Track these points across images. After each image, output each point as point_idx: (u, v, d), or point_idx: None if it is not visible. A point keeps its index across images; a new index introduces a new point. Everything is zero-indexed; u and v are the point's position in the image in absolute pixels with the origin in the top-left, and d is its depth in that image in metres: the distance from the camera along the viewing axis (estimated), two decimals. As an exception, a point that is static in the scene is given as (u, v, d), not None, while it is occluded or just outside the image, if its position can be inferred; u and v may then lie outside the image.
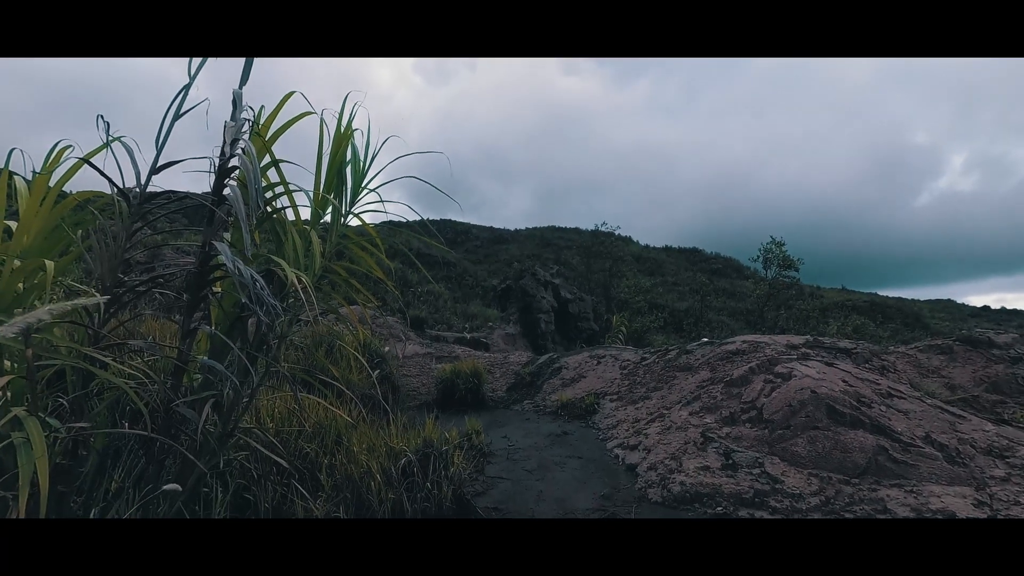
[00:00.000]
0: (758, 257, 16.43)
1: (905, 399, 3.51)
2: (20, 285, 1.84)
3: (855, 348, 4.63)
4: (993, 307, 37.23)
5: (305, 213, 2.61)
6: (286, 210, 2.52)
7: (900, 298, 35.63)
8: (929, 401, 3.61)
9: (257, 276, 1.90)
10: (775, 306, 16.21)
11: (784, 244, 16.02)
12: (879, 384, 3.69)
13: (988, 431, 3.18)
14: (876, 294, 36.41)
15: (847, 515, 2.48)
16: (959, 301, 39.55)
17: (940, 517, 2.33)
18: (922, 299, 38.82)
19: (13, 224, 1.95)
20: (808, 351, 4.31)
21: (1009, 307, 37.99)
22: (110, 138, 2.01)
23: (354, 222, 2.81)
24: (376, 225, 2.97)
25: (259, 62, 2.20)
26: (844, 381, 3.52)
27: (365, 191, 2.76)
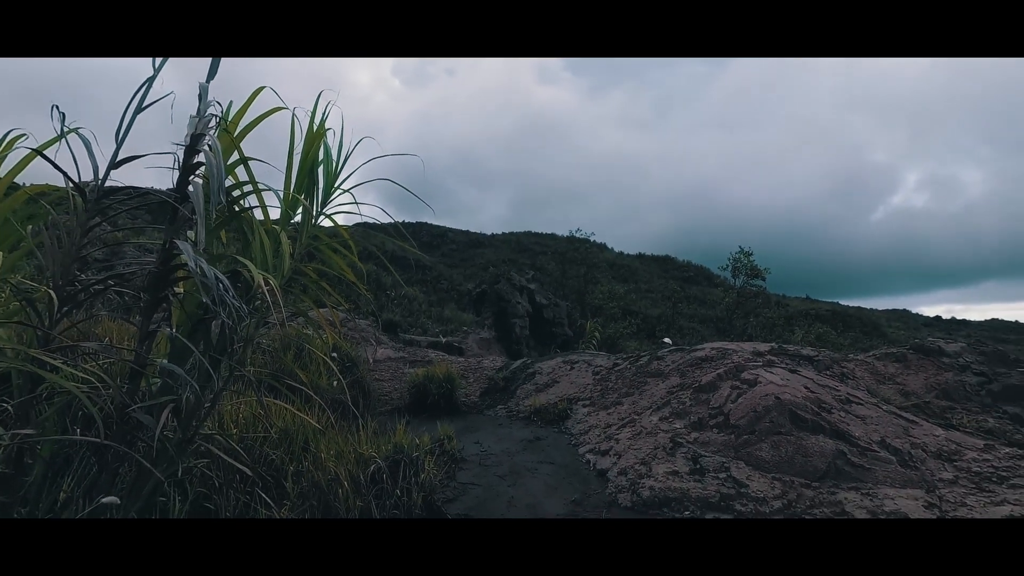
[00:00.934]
0: (727, 266, 16.90)
1: (863, 405, 3.65)
2: (-38, 282, 1.74)
3: (817, 356, 4.81)
4: (944, 317, 39.32)
5: (275, 214, 2.55)
6: (254, 210, 2.45)
7: (860, 307, 37.25)
8: (885, 407, 3.77)
9: (221, 277, 1.84)
10: (743, 314, 16.69)
11: (752, 254, 16.53)
12: (839, 390, 3.83)
13: (938, 436, 3.34)
14: (838, 303, 37.96)
15: (807, 518, 2.56)
16: (913, 311, 41.60)
17: (893, 518, 2.43)
18: (880, 309, 40.66)
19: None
20: (773, 358, 4.44)
21: (959, 317, 40.18)
22: (65, 129, 1.92)
23: (326, 223, 2.76)
24: (349, 227, 2.92)
25: (232, 59, 2.15)
26: (806, 388, 3.65)
27: (338, 192, 2.72)
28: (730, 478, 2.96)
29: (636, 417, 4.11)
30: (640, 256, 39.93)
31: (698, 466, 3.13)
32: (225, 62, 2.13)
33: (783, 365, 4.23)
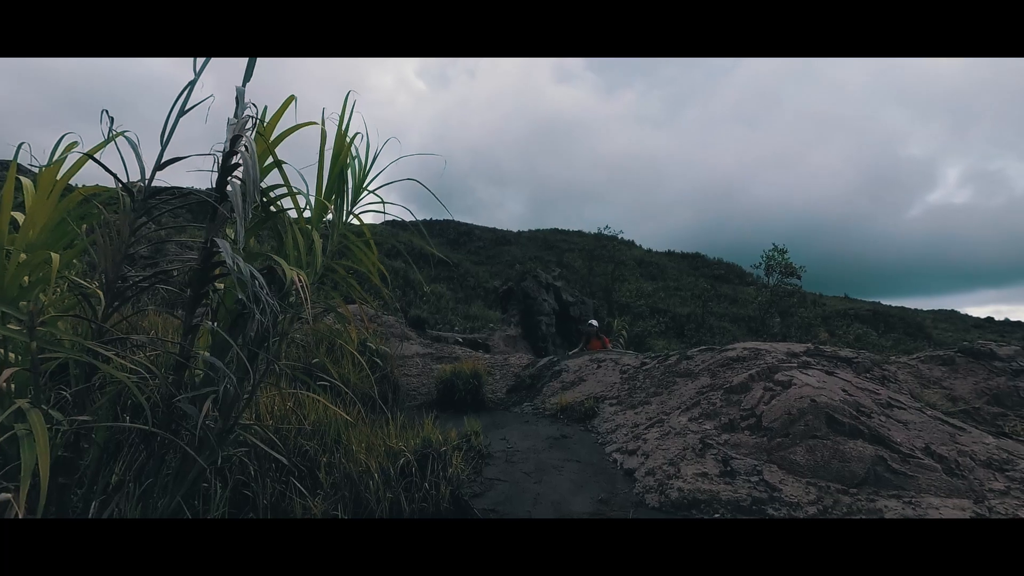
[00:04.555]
0: (760, 264, 16.41)
1: (905, 410, 3.50)
2: (25, 278, 1.86)
3: (856, 357, 4.62)
4: (996, 318, 37.08)
5: (306, 213, 2.63)
6: (289, 210, 2.53)
7: (903, 308, 35.52)
8: (929, 412, 3.60)
9: (256, 274, 1.91)
10: (776, 313, 16.19)
11: (786, 251, 16.00)
12: (879, 394, 3.68)
13: (988, 444, 3.17)
14: (879, 303, 36.30)
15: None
16: (961, 312, 39.39)
17: (930, 518, 2.33)
18: (925, 309, 38.68)
19: (19, 216, 1.97)
20: (809, 359, 4.30)
21: (1011, 319, 37.81)
22: (113, 132, 2.02)
23: (353, 222, 2.83)
24: (377, 226, 2.98)
25: (260, 64, 2.22)
26: (844, 390, 3.51)
27: (366, 192, 2.78)
28: (762, 481, 2.89)
29: (664, 417, 4.05)
30: (669, 253, 39.18)
31: (729, 468, 3.06)
32: (256, 70, 2.20)
33: (819, 367, 4.09)
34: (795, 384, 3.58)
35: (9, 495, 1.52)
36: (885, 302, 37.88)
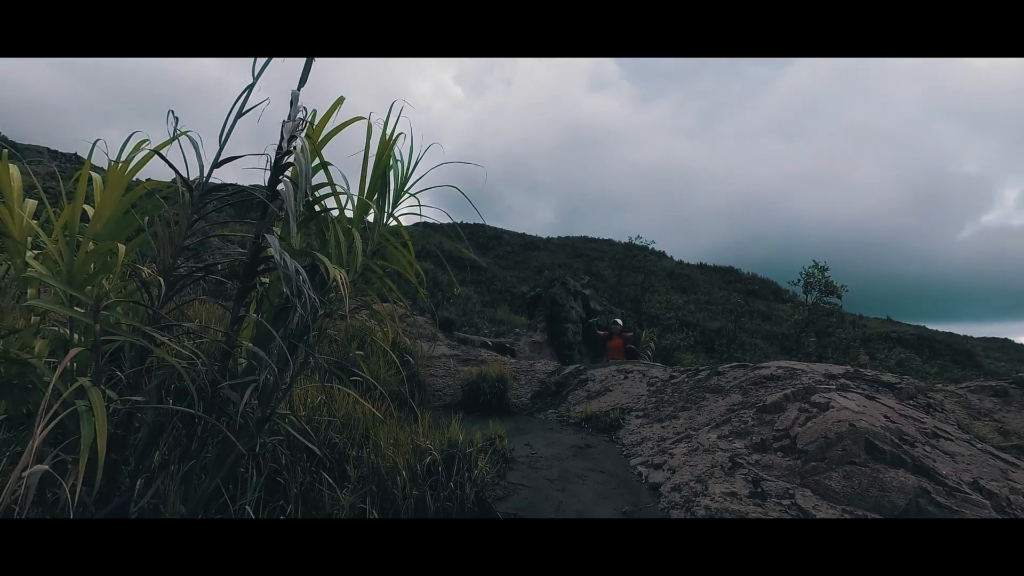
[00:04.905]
0: (799, 280, 15.85)
1: (952, 441, 3.32)
2: (92, 266, 1.99)
3: (899, 383, 4.41)
4: (1055, 349, 34.60)
5: (348, 213, 2.72)
6: (332, 210, 2.62)
7: (951, 333, 33.62)
8: (979, 445, 3.40)
9: (301, 269, 1.99)
10: (813, 332, 15.58)
11: (827, 269, 15.40)
12: (924, 423, 3.50)
13: (1044, 482, 2.97)
14: (924, 327, 34.47)
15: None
16: (1016, 341, 36.97)
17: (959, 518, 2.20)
18: (975, 336, 36.49)
19: (88, 209, 2.11)
20: (848, 382, 4.13)
21: (1074, 351, 35.19)
22: (178, 131, 2.15)
23: (391, 223, 2.90)
24: (411, 227, 3.05)
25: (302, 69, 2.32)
26: (886, 416, 3.36)
27: (407, 195, 2.85)
28: (794, 505, 2.79)
29: (693, 433, 3.97)
30: (701, 266, 38.34)
31: (759, 489, 2.97)
32: (296, 72, 2.30)
33: (859, 390, 3.92)
34: (833, 407, 3.45)
35: (44, 466, 1.60)
36: (931, 326, 35.97)
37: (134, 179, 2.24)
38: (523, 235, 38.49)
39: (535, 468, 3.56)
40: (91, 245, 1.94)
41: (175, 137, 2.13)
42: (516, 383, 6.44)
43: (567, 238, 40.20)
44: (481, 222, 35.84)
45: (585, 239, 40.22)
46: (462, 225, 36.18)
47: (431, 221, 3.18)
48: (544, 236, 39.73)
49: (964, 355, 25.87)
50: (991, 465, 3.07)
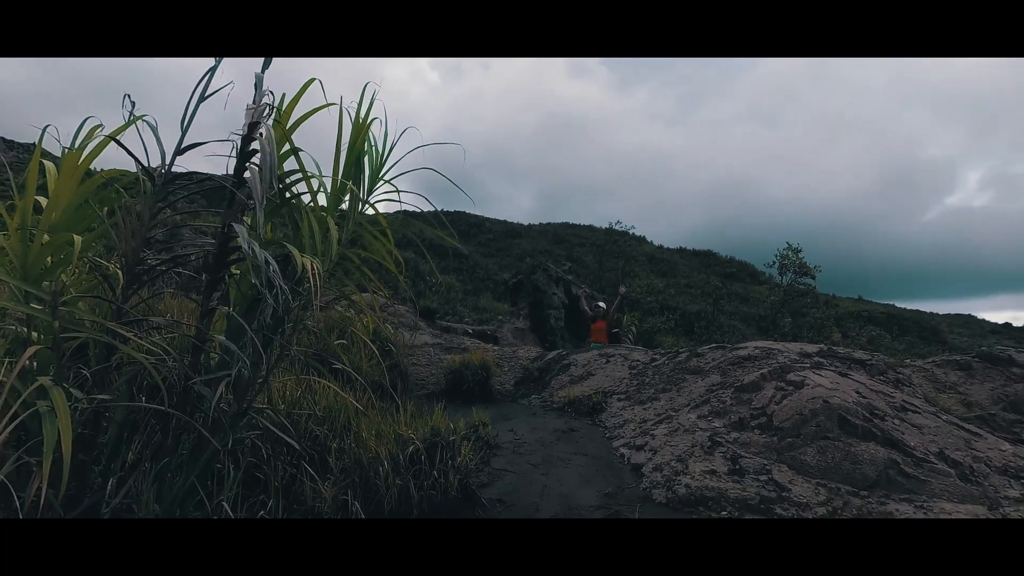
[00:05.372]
0: (774, 263, 16.19)
1: (920, 414, 3.45)
2: (48, 259, 1.89)
3: (870, 359, 4.56)
4: (1013, 324, 36.29)
5: (322, 201, 2.64)
6: (303, 196, 2.54)
7: (918, 311, 34.88)
8: (944, 417, 3.55)
9: (271, 259, 1.93)
10: (788, 313, 15.98)
11: (801, 250, 15.75)
12: (893, 397, 3.63)
13: (1004, 450, 3.11)
14: (894, 305, 35.70)
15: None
16: (978, 317, 38.60)
17: (941, 518, 2.30)
18: (940, 313, 37.97)
19: (42, 200, 2.00)
20: (822, 360, 4.25)
21: (1028, 324, 36.96)
22: (134, 116, 2.04)
23: (368, 211, 2.83)
24: (390, 215, 2.99)
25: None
26: (858, 392, 3.47)
27: (382, 181, 2.78)
28: (771, 481, 2.87)
29: (673, 414, 4.04)
30: (681, 250, 38.82)
31: (737, 467, 3.04)
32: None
33: (832, 368, 4.04)
34: (808, 384, 3.55)
35: None
36: (900, 304, 37.26)
37: (93, 168, 2.13)
38: (505, 222, 38.32)
39: (519, 453, 3.59)
40: (46, 237, 1.84)
41: (131, 122, 2.02)
42: (499, 370, 6.45)
43: (549, 224, 40.18)
44: (462, 210, 35.51)
45: (567, 225, 40.27)
46: (444, 213, 35.74)
47: (411, 209, 3.11)
48: (526, 223, 39.63)
49: (930, 331, 26.92)
50: (955, 435, 3.21)
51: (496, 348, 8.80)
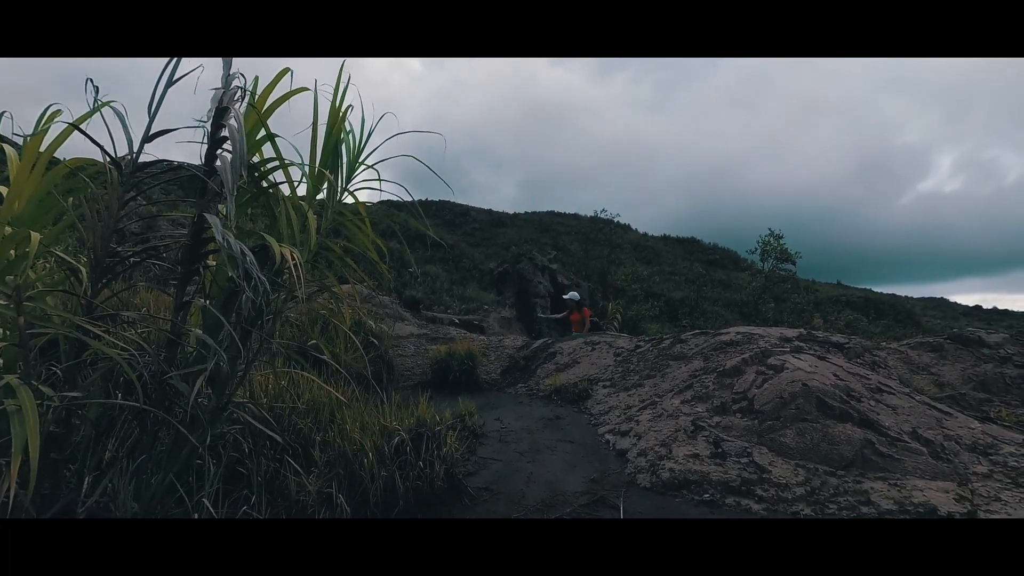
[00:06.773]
0: (756, 249, 16.43)
1: (894, 395, 3.55)
2: (12, 252, 1.82)
3: (847, 343, 4.67)
4: (983, 307, 37.56)
5: (301, 190, 2.58)
6: (281, 185, 2.48)
7: (894, 295, 35.88)
8: (917, 397, 3.66)
9: (247, 250, 1.87)
10: (770, 299, 16.28)
11: (782, 237, 16.01)
12: (869, 379, 3.73)
13: (973, 428, 3.23)
14: (871, 290, 36.62)
15: (831, 506, 2.52)
16: (951, 300, 39.86)
17: (922, 511, 2.38)
18: (915, 296, 39.11)
19: (3, 189, 1.91)
20: (801, 344, 4.34)
21: (999, 307, 38.30)
22: (99, 103, 1.96)
23: (349, 201, 2.77)
24: (372, 205, 2.93)
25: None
26: (835, 375, 3.55)
27: (361, 168, 2.72)
28: (752, 463, 2.93)
29: (657, 399, 4.09)
30: (665, 238, 39.15)
31: (719, 450, 3.10)
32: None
33: (811, 351, 4.12)
34: (787, 368, 3.62)
35: None
36: (876, 289, 38.26)
37: (57, 157, 2.04)
38: (490, 211, 38.13)
39: (505, 442, 3.60)
40: (8, 230, 1.76)
41: (97, 108, 1.93)
42: (486, 359, 6.45)
43: (534, 213, 40.11)
44: (447, 199, 35.22)
45: (552, 214, 40.25)
46: (428, 203, 35.44)
47: (395, 199, 3.07)
48: (511, 212, 39.50)
49: (905, 314, 27.69)
50: (928, 415, 3.31)
51: (482, 338, 8.80)
